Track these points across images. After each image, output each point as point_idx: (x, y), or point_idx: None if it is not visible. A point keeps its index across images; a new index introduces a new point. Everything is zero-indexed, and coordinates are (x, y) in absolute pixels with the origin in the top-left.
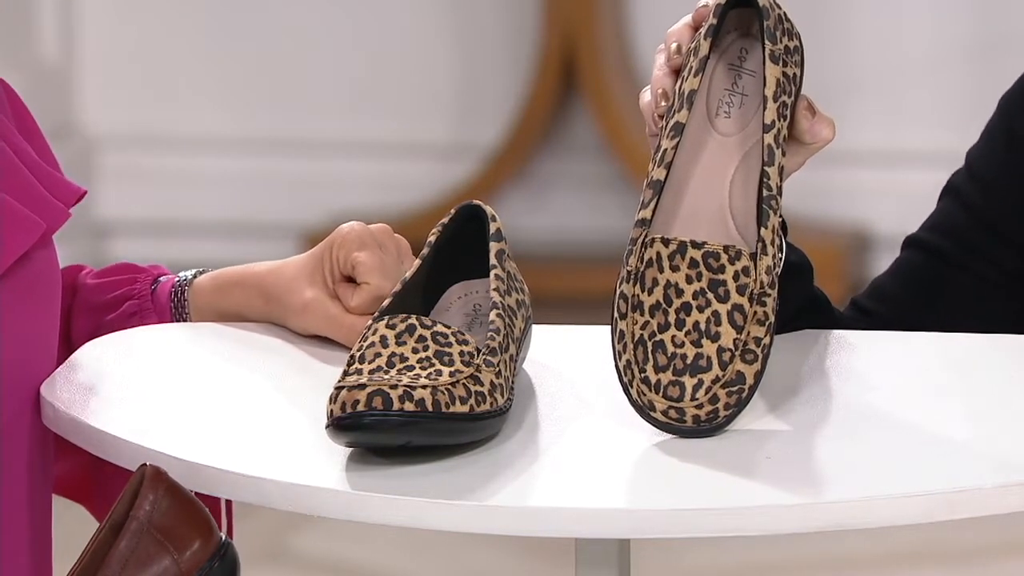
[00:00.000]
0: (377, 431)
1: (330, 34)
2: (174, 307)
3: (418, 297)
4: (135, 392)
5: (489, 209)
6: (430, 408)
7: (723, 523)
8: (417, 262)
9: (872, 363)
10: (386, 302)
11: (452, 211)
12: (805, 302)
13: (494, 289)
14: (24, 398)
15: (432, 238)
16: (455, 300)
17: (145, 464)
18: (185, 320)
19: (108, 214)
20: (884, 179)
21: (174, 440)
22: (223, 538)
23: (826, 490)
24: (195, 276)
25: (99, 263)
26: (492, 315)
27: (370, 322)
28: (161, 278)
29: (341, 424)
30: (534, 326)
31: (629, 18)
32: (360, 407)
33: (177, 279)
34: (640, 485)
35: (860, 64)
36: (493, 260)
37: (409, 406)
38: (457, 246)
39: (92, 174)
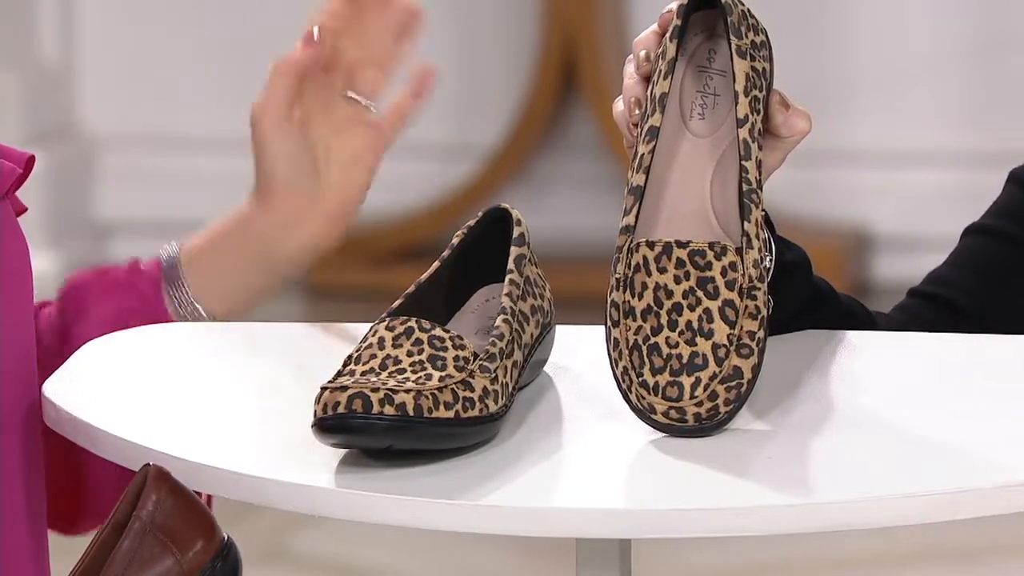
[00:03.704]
0: (357, 433)
1: None
2: (168, 283)
3: (440, 299)
4: (135, 392)
5: (516, 212)
6: (411, 412)
7: (723, 523)
8: (436, 264)
9: (872, 363)
10: (396, 303)
11: (479, 213)
12: (807, 297)
13: (506, 294)
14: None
15: (456, 240)
16: (481, 304)
17: (148, 464)
18: (182, 288)
19: (108, 214)
20: (884, 179)
21: (174, 440)
22: (226, 538)
23: (826, 490)
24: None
25: (99, 263)
26: (498, 320)
27: (374, 323)
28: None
29: (323, 425)
30: None
31: (629, 18)
32: (340, 409)
33: (163, 257)
34: (640, 485)
35: (860, 64)
36: (511, 265)
37: (389, 410)
38: (486, 249)
39: (92, 174)
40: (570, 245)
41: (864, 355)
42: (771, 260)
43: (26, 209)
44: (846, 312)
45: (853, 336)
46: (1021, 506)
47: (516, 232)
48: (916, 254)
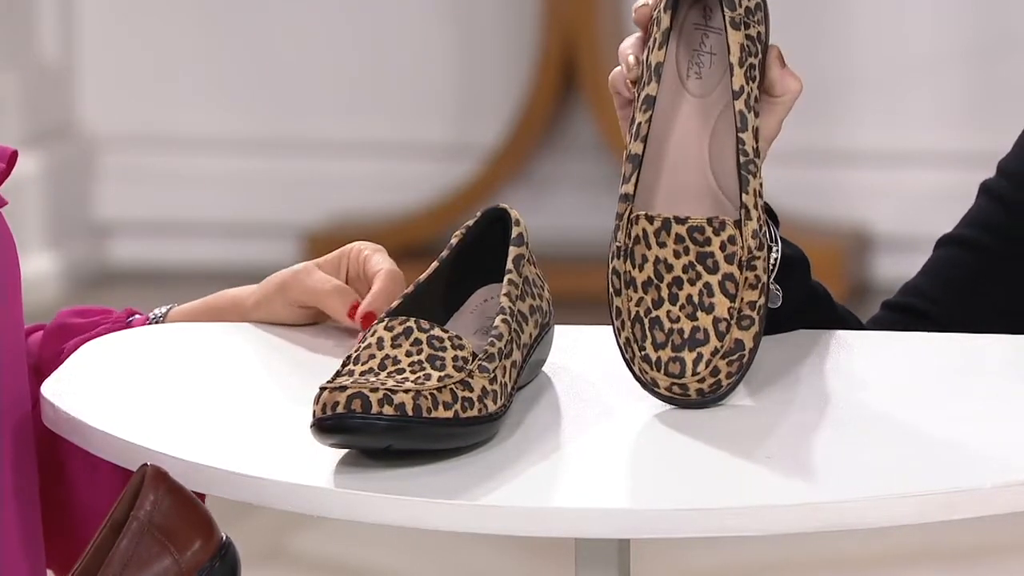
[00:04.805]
0: (356, 433)
1: (330, 34)
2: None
3: (438, 299)
4: (135, 392)
5: (515, 213)
6: (410, 412)
7: (723, 523)
8: (434, 264)
9: (871, 363)
10: (395, 303)
11: (478, 214)
12: (803, 297)
13: (504, 294)
14: None
15: (454, 240)
16: (479, 304)
17: (146, 464)
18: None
19: (108, 214)
20: (884, 179)
21: (174, 440)
22: (224, 538)
23: (826, 490)
24: (168, 310)
25: (99, 263)
26: (497, 320)
27: (374, 323)
28: (135, 316)
29: (322, 425)
30: None
31: (629, 18)
32: (339, 409)
33: (151, 315)
34: (640, 485)
35: (860, 63)
36: (510, 265)
37: (388, 410)
38: (484, 249)
39: (92, 174)
40: (569, 245)
41: (862, 355)
42: (778, 251)
43: (6, 202)
44: (839, 319)
45: (850, 336)
46: (1018, 506)
47: (515, 232)
48: (916, 254)
